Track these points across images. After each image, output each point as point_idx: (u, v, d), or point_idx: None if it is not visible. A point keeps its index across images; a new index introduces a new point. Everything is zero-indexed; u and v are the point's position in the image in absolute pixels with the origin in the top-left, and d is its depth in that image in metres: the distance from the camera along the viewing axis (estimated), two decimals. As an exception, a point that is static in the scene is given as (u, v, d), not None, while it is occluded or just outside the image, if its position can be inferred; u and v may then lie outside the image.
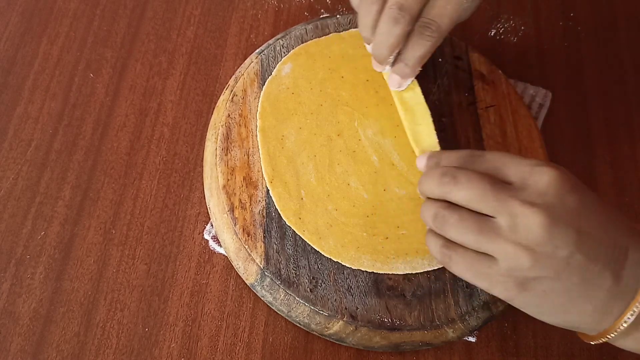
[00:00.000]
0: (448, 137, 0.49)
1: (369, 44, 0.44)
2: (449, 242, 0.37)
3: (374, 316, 0.42)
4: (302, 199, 0.44)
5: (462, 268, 0.36)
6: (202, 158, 0.49)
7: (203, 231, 0.48)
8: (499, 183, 0.36)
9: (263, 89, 0.48)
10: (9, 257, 0.46)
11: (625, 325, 0.34)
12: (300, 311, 0.42)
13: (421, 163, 0.42)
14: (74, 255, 0.47)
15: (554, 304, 0.35)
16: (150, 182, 0.50)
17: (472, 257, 0.36)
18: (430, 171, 0.39)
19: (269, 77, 0.49)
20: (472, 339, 0.46)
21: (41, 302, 0.45)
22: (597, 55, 0.59)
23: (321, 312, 0.42)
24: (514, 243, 0.34)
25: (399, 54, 0.43)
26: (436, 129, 0.49)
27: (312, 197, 0.44)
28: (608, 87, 0.57)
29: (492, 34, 0.59)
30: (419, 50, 0.42)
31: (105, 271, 0.46)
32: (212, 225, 0.47)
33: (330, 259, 0.43)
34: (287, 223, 0.44)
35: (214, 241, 0.47)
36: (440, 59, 0.52)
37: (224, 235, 0.45)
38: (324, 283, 0.42)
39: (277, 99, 0.48)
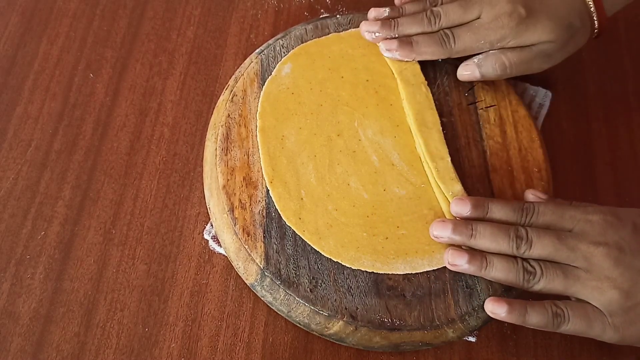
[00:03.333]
0: (448, 137, 0.49)
1: (381, 16, 0.50)
2: (557, 302, 0.40)
3: (374, 316, 0.42)
4: (302, 199, 0.44)
5: (577, 322, 0.39)
6: (202, 158, 0.49)
7: (203, 231, 0.48)
8: (564, 232, 0.40)
9: (263, 89, 0.48)
10: (9, 257, 0.46)
11: None
12: (300, 311, 0.42)
13: (464, 209, 0.43)
14: (74, 255, 0.47)
15: None
16: (150, 182, 0.50)
17: (580, 308, 0.39)
18: (489, 227, 0.41)
19: (269, 77, 0.49)
20: (472, 339, 0.46)
21: (41, 302, 0.45)
22: (597, 55, 0.59)
23: (321, 312, 0.42)
24: (597, 280, 0.38)
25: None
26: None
27: (312, 197, 0.44)
28: (608, 87, 0.57)
29: (492, 34, 0.59)
30: (428, 47, 0.48)
31: (105, 271, 0.46)
32: (212, 225, 0.47)
33: (330, 259, 0.43)
34: (287, 223, 0.44)
35: (214, 241, 0.47)
36: (440, 59, 0.52)
37: (224, 235, 0.45)
38: (324, 283, 0.42)
39: (277, 99, 0.48)
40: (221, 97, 0.49)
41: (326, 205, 0.44)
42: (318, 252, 0.43)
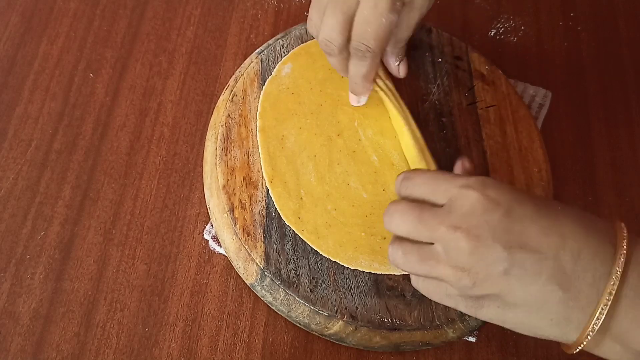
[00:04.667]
0: (448, 137, 0.49)
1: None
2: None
3: (374, 316, 0.42)
4: (301, 198, 0.44)
5: (431, 293, 0.38)
6: (202, 158, 0.49)
7: (203, 231, 0.48)
8: (428, 210, 0.37)
9: (263, 89, 0.48)
10: (9, 257, 0.46)
11: (591, 335, 0.33)
12: (300, 311, 0.42)
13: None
14: (74, 255, 0.47)
15: (514, 319, 0.35)
16: (150, 182, 0.50)
17: (433, 283, 0.37)
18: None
19: (269, 77, 0.49)
20: (472, 339, 0.46)
21: (41, 302, 0.45)
22: (597, 55, 0.59)
23: (321, 312, 0.42)
24: (452, 266, 0.35)
25: None
26: (436, 129, 0.49)
27: (311, 197, 0.44)
28: (608, 87, 0.57)
29: (492, 34, 0.59)
30: (360, 69, 0.43)
31: (105, 271, 0.46)
32: (212, 225, 0.47)
33: (329, 258, 0.43)
34: (286, 223, 0.44)
35: (214, 241, 0.47)
36: (440, 59, 0.52)
37: (224, 235, 0.45)
38: (324, 283, 0.42)
39: (277, 99, 0.48)
40: (221, 97, 0.49)
41: (325, 205, 0.44)
42: (318, 252, 0.43)
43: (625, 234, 0.34)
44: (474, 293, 0.35)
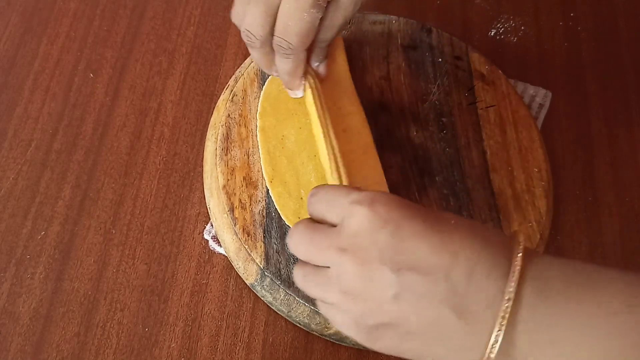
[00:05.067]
0: (448, 137, 0.49)
1: None
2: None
3: (374, 316, 0.42)
4: (301, 198, 0.44)
5: (332, 320, 0.35)
6: (202, 158, 0.49)
7: (203, 231, 0.48)
8: (321, 231, 0.34)
9: (263, 88, 0.48)
10: (9, 257, 0.46)
11: None
12: (300, 311, 0.42)
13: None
14: (74, 255, 0.47)
15: (413, 350, 0.32)
16: (150, 182, 0.50)
17: (332, 310, 0.34)
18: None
19: (269, 77, 0.49)
20: (472, 339, 0.46)
21: (41, 302, 0.45)
22: (597, 55, 0.59)
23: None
24: (342, 292, 0.32)
25: None
26: (436, 129, 0.49)
27: (312, 197, 0.44)
28: (608, 87, 0.57)
29: (492, 34, 0.59)
30: (284, 65, 0.41)
31: (105, 271, 0.46)
32: (212, 225, 0.47)
33: (330, 259, 0.43)
34: (286, 223, 0.44)
35: (214, 241, 0.47)
36: (440, 59, 0.52)
37: (224, 235, 0.45)
38: (324, 283, 0.42)
39: (277, 99, 0.48)
40: (221, 97, 0.50)
41: None
42: (318, 252, 0.43)
43: (521, 247, 0.31)
44: (366, 322, 0.32)
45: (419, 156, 0.48)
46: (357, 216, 0.32)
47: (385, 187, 0.44)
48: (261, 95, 0.48)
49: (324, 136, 0.42)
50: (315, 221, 0.35)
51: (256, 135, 0.47)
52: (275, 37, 0.40)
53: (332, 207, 0.34)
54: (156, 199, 0.49)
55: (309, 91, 0.44)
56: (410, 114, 0.49)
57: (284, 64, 0.41)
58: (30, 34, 0.55)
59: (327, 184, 0.39)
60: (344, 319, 0.33)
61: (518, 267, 0.30)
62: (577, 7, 0.61)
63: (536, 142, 0.50)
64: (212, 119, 0.49)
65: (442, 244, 0.31)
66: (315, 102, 0.43)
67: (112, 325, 0.45)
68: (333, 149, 0.42)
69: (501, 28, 0.59)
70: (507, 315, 0.29)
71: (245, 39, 0.41)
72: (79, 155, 0.50)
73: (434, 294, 0.30)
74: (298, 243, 0.34)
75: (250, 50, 0.42)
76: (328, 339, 0.44)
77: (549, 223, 0.48)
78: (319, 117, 0.43)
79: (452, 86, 0.51)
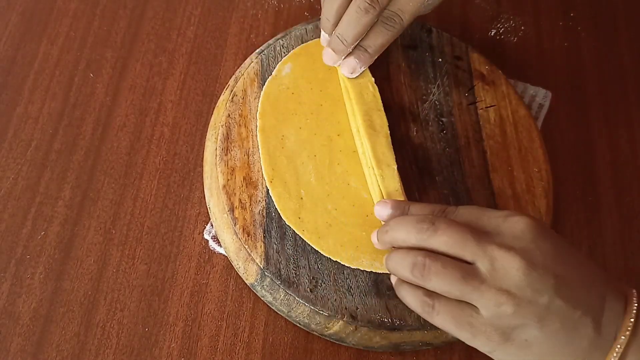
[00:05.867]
0: (448, 137, 0.49)
1: (328, 34, 0.46)
2: (430, 292, 0.36)
3: (374, 316, 0.42)
4: (301, 198, 0.44)
5: (445, 318, 0.36)
6: (202, 158, 0.49)
7: (203, 231, 0.48)
8: (477, 230, 0.36)
9: (263, 89, 0.48)
10: (9, 257, 0.46)
11: None
12: (300, 311, 0.42)
13: (384, 211, 0.41)
14: (74, 255, 0.47)
15: (534, 355, 0.34)
16: (150, 182, 0.50)
17: (455, 306, 0.35)
18: (402, 219, 0.39)
19: (269, 77, 0.49)
20: (472, 339, 0.46)
21: (41, 302, 0.45)
22: (597, 55, 0.59)
23: (321, 312, 0.42)
24: (495, 288, 0.34)
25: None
26: (436, 129, 0.49)
27: (311, 197, 0.44)
28: (608, 87, 0.57)
29: (492, 34, 0.59)
30: (381, 38, 0.44)
31: (105, 271, 0.46)
32: (212, 225, 0.47)
33: (330, 258, 0.43)
34: (286, 223, 0.44)
35: (214, 241, 0.47)
36: (440, 59, 0.52)
37: (224, 235, 0.45)
38: (324, 283, 0.42)
39: (277, 99, 0.48)
40: (221, 97, 0.50)
41: (326, 205, 0.44)
42: (318, 251, 0.43)
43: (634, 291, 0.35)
44: (508, 323, 0.34)
45: (419, 156, 0.48)
46: (520, 223, 0.35)
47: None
48: (261, 96, 0.48)
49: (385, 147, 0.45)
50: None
51: (256, 136, 0.47)
52: (388, 11, 0.43)
53: (483, 219, 0.37)
54: (156, 199, 0.49)
55: (370, 92, 0.47)
56: (410, 114, 0.49)
57: (381, 36, 0.44)
58: (30, 34, 0.55)
59: (462, 206, 0.40)
60: (474, 316, 0.35)
61: (635, 297, 0.35)
62: (577, 7, 0.61)
63: (536, 142, 0.50)
64: (212, 119, 0.49)
65: (590, 265, 0.36)
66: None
67: (112, 325, 0.45)
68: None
69: (501, 28, 0.59)
70: (629, 328, 0.34)
71: (364, 4, 0.42)
72: (79, 155, 0.50)
73: (581, 304, 0.33)
74: (449, 232, 0.35)
75: (361, 15, 0.43)
76: (328, 339, 0.44)
77: (549, 223, 0.48)
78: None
79: (452, 86, 0.51)
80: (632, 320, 0.34)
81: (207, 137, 0.48)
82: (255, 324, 0.45)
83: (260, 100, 0.48)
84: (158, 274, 0.46)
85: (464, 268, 0.35)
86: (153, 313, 0.45)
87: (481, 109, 0.50)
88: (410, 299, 0.37)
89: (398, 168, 0.45)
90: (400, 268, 0.37)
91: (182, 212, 0.49)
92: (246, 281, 0.44)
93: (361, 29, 0.44)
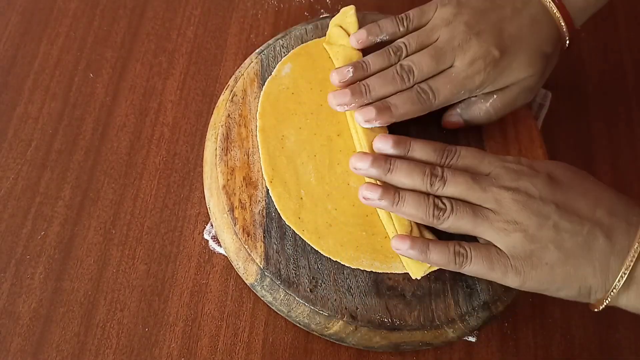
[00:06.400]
0: (448, 137, 0.49)
1: (355, 77, 0.45)
2: (461, 243, 0.40)
3: (374, 316, 0.42)
4: (301, 198, 0.44)
5: (479, 262, 0.39)
6: (202, 158, 0.49)
7: (203, 231, 0.48)
8: (479, 175, 0.41)
9: (263, 89, 0.48)
10: (9, 257, 0.46)
11: (622, 281, 0.38)
12: (300, 311, 0.42)
13: (387, 145, 0.43)
14: (74, 255, 0.47)
15: (562, 275, 0.38)
16: (150, 182, 0.50)
17: (483, 249, 0.40)
18: (414, 167, 0.41)
19: (269, 77, 0.49)
20: (472, 339, 0.46)
21: (41, 302, 0.45)
22: (597, 55, 0.59)
23: (321, 312, 0.42)
24: (504, 222, 0.39)
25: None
26: (436, 129, 0.49)
27: (311, 197, 0.44)
28: (608, 87, 0.57)
29: (492, 34, 0.59)
30: (409, 105, 0.44)
31: (105, 271, 0.46)
32: (212, 225, 0.47)
33: (330, 258, 0.43)
34: (286, 223, 0.44)
35: (214, 241, 0.47)
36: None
37: (224, 235, 0.45)
38: (324, 283, 0.42)
39: (276, 99, 0.48)
40: (221, 97, 0.50)
41: (326, 205, 0.44)
42: (318, 251, 0.43)
43: None
44: (524, 249, 0.38)
45: (419, 156, 0.48)
46: (513, 166, 0.41)
47: None
48: (261, 96, 0.48)
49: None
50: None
51: (256, 136, 0.47)
52: (425, 84, 0.44)
53: (482, 162, 0.41)
54: (156, 199, 0.49)
55: None
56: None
57: (409, 106, 0.44)
58: (30, 34, 0.55)
59: (462, 147, 0.43)
60: (500, 254, 0.39)
61: None
62: (577, 7, 0.61)
63: (536, 142, 0.50)
64: (212, 119, 0.49)
65: (586, 191, 0.40)
66: None
67: (112, 325, 0.45)
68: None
69: (501, 28, 0.59)
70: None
71: (403, 72, 0.45)
72: (79, 155, 0.50)
73: (587, 221, 0.38)
74: (456, 182, 0.40)
75: (397, 81, 0.44)
76: (328, 339, 0.44)
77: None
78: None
79: (452, 86, 0.51)
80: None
81: (207, 137, 0.48)
82: (255, 324, 0.45)
83: (260, 100, 0.48)
84: (158, 274, 0.46)
85: (474, 208, 0.40)
86: (153, 313, 0.45)
87: (481, 109, 0.50)
88: (443, 252, 0.40)
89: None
90: (417, 211, 0.40)
91: (182, 212, 0.49)
92: (246, 281, 0.44)
93: (391, 89, 0.44)
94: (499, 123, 0.50)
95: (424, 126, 0.49)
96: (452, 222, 0.40)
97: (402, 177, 0.41)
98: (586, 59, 0.59)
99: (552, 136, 0.54)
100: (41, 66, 0.54)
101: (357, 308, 0.42)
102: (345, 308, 0.42)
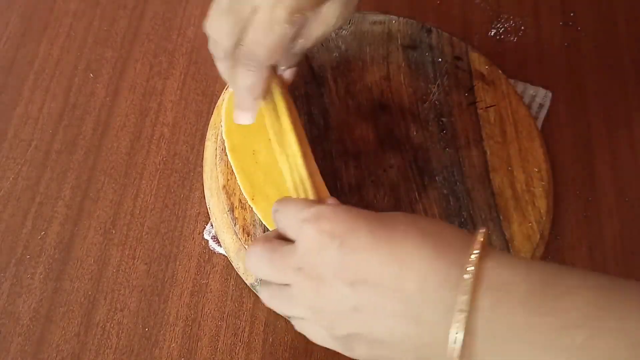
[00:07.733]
0: (448, 137, 0.49)
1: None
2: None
3: (373, 316, 0.42)
4: None
5: (310, 335, 0.36)
6: (202, 158, 0.49)
7: (203, 231, 0.48)
8: (279, 250, 0.35)
9: (223, 106, 0.45)
10: (9, 257, 0.46)
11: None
12: (300, 311, 0.42)
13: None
14: (74, 255, 0.47)
15: (384, 357, 0.32)
16: (150, 182, 0.50)
17: (307, 325, 0.36)
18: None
19: (226, 93, 0.46)
20: (472, 339, 0.46)
21: (41, 302, 0.45)
22: (597, 55, 0.59)
23: (321, 312, 0.42)
24: (307, 308, 0.34)
25: None
26: (436, 129, 0.49)
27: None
28: (608, 87, 0.57)
29: (492, 34, 0.59)
30: (245, 79, 0.38)
31: (105, 271, 0.46)
32: (212, 225, 0.47)
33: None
34: None
35: (214, 241, 0.47)
36: (440, 59, 0.52)
37: (224, 235, 0.45)
38: (324, 283, 0.42)
39: None
40: (221, 97, 0.49)
41: None
42: (318, 252, 0.43)
43: (473, 257, 0.29)
44: (338, 333, 0.33)
45: (419, 156, 0.48)
46: (307, 234, 0.33)
47: (325, 191, 0.41)
48: (222, 115, 0.44)
49: (299, 149, 0.41)
50: (279, 235, 0.36)
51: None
52: (241, 48, 0.37)
53: (289, 225, 0.35)
54: (156, 199, 0.49)
55: (279, 99, 0.42)
56: (410, 114, 0.49)
57: (244, 78, 0.38)
58: (30, 34, 0.55)
59: (287, 198, 0.39)
60: (317, 332, 0.35)
61: (470, 280, 0.28)
62: (577, 7, 0.61)
63: (536, 142, 0.50)
64: (212, 119, 0.49)
65: (390, 254, 0.30)
66: (287, 114, 0.41)
67: (112, 325, 0.45)
68: (309, 159, 0.41)
69: (501, 28, 0.59)
70: (462, 326, 0.28)
71: (211, 48, 0.39)
72: (79, 155, 0.50)
73: (389, 305, 0.30)
74: (258, 265, 0.35)
75: (215, 61, 0.39)
76: (328, 339, 0.44)
77: (549, 223, 0.48)
78: (293, 128, 0.41)
79: (452, 86, 0.51)
80: (462, 304, 0.28)
81: (207, 137, 0.48)
82: (255, 324, 0.45)
83: (222, 119, 0.44)
84: (158, 274, 0.46)
85: (283, 293, 0.35)
86: (153, 313, 0.45)
87: (481, 109, 0.50)
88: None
89: (398, 168, 0.44)
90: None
91: (182, 212, 0.49)
92: (246, 281, 0.44)
93: (224, 74, 0.40)
94: (499, 123, 0.50)
95: (424, 125, 0.49)
96: (272, 307, 0.38)
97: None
98: (586, 59, 0.59)
99: (552, 136, 0.54)
100: (41, 66, 0.54)
101: (357, 308, 0.42)
102: (345, 308, 0.42)
